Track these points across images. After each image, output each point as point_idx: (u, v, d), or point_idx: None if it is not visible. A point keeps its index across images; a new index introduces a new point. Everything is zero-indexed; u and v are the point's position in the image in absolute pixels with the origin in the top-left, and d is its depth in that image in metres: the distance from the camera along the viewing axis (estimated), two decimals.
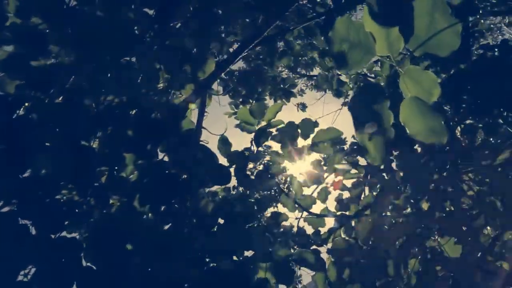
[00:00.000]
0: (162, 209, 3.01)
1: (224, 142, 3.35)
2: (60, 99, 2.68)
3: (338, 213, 3.79)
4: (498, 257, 3.28)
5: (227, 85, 5.61)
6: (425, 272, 3.21)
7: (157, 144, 3.00)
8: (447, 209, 4.13)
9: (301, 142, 3.54)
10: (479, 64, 4.38)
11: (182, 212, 3.03)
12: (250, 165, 3.47)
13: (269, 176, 3.39)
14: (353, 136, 5.35)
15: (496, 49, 4.52)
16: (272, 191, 3.43)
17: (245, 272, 2.97)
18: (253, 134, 3.18)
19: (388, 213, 3.62)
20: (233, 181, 3.52)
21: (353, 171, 3.80)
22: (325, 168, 3.78)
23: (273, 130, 3.26)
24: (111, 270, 2.74)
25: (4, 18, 2.70)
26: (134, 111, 2.97)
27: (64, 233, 2.81)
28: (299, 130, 3.47)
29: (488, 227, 3.55)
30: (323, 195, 3.83)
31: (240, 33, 4.86)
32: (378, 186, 3.85)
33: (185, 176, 2.96)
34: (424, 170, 4.18)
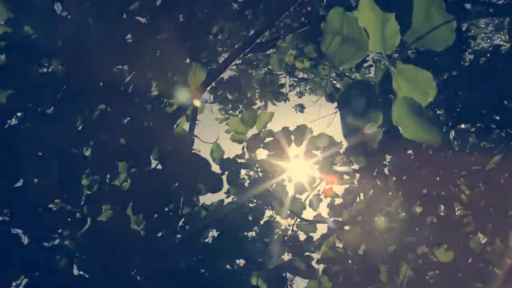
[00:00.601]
0: (155, 217, 3.02)
1: (216, 149, 3.36)
2: (51, 109, 2.69)
3: (331, 219, 3.80)
4: (489, 263, 3.31)
5: (216, 92, 5.61)
6: (417, 278, 3.23)
7: (150, 152, 3.01)
8: (441, 213, 4.15)
9: (294, 149, 3.56)
10: (471, 69, 4.41)
11: (175, 220, 3.04)
12: (243, 172, 3.48)
13: (261, 183, 3.41)
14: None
15: (488, 54, 4.54)
16: (265, 198, 3.44)
17: (237, 281, 2.99)
18: (244, 143, 3.20)
19: (381, 219, 3.64)
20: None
21: (346, 176, 3.82)
22: (318, 174, 3.80)
23: (265, 138, 3.27)
24: (103, 279, 2.75)
25: None
26: (126, 119, 2.98)
27: (56, 242, 2.83)
28: (292, 137, 3.49)
29: (480, 234, 3.57)
30: (315, 202, 3.84)
31: (231, 41, 4.87)
32: (371, 191, 3.87)
33: (178, 184, 2.97)
34: (417, 174, 4.20)
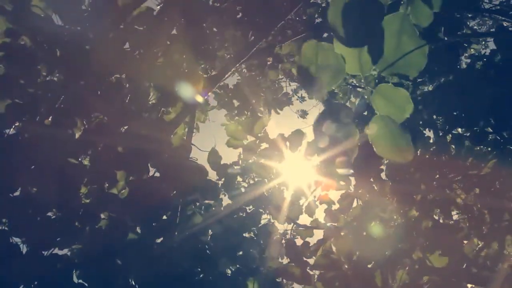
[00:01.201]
0: (153, 224, 3.04)
1: (214, 156, 3.38)
2: (50, 118, 2.71)
3: (328, 224, 3.83)
4: (483, 268, 3.34)
5: (221, 99, 5.66)
6: (413, 283, 3.26)
7: (148, 160, 3.02)
8: (436, 217, 4.18)
9: (290, 154, 3.57)
10: (468, 74, 4.43)
11: (172, 227, 3.06)
12: (239, 179, 3.51)
13: (257, 188, 3.44)
14: None
15: (484, 59, 4.54)
16: (261, 203, 3.47)
17: (233, 285, 3.02)
18: (241, 149, 3.22)
19: (377, 224, 3.67)
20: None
21: (342, 182, 3.84)
22: (314, 180, 3.82)
23: (262, 144, 3.30)
24: (103, 287, 2.77)
25: None
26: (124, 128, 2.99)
27: (55, 250, 2.85)
28: (287, 143, 3.50)
29: (475, 238, 3.60)
30: (311, 208, 3.87)
31: (231, 48, 4.89)
32: (367, 196, 3.90)
33: (176, 191, 3.00)
34: (413, 179, 4.23)
